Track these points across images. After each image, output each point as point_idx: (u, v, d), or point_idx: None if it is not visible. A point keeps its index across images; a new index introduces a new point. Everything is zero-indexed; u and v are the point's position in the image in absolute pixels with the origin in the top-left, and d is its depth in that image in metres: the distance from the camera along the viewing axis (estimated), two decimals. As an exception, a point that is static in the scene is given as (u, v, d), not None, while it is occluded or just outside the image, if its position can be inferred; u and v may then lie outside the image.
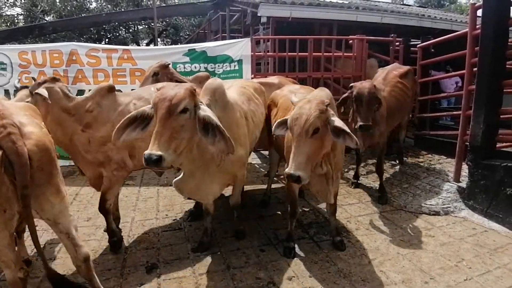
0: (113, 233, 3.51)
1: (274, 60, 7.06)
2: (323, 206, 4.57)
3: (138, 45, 22.97)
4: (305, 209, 4.50)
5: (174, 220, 4.15)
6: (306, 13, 8.57)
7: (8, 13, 20.98)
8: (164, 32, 22.77)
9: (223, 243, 3.61)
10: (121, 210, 4.39)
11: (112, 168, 3.34)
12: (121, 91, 4.32)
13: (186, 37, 21.92)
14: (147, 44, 24.11)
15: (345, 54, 6.76)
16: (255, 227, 3.97)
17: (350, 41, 6.88)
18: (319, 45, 6.82)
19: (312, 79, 6.73)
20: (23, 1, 20.42)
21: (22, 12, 20.92)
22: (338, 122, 2.69)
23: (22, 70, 6.11)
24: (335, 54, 6.76)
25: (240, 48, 6.02)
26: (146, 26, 22.18)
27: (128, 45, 20.79)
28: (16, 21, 20.97)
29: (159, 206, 4.55)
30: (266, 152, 5.94)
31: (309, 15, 8.64)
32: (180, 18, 21.54)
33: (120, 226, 3.90)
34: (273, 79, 5.30)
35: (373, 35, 7.30)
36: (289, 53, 6.41)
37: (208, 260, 3.30)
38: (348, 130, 2.66)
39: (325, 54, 6.75)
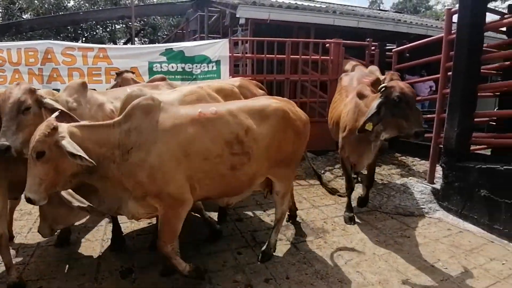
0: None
1: (252, 61, 7.05)
2: (300, 207, 4.59)
3: (115, 44, 22.59)
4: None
5: (149, 223, 4.07)
6: (284, 16, 8.59)
7: (-15, 10, 20.28)
8: (142, 32, 22.45)
9: (200, 247, 3.57)
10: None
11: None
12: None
13: (164, 37, 21.67)
14: (125, 44, 23.73)
15: (322, 57, 6.82)
16: (232, 230, 3.94)
17: (327, 45, 6.95)
18: (297, 47, 6.86)
19: (290, 81, 6.76)
20: (0, -2, 19.78)
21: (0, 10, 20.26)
22: (68, 145, 2.30)
23: (-3, 68, 5.91)
24: (312, 57, 6.81)
25: (218, 48, 5.99)
26: (124, 25, 21.85)
27: (105, 44, 20.45)
28: (-7, 19, 20.26)
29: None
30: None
31: (287, 18, 8.66)
32: (158, 17, 21.31)
33: (94, 229, 3.81)
34: (234, 81, 5.18)
35: (349, 39, 7.40)
36: (267, 55, 6.41)
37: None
38: (83, 154, 2.28)
39: (302, 57, 6.79)
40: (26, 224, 4.11)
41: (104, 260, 3.31)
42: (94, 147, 2.46)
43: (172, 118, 2.65)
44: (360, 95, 3.94)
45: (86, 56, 5.86)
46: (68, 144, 2.30)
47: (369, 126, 3.49)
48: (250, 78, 5.56)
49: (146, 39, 23.12)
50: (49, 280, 3.00)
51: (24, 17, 19.83)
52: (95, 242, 3.68)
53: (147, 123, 2.58)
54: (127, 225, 4.01)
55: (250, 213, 4.35)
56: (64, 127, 2.42)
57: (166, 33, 22.02)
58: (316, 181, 5.63)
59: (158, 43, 21.47)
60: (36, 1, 19.70)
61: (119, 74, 4.90)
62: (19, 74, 5.79)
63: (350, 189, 4.35)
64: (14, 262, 2.93)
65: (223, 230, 3.86)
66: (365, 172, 4.78)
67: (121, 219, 3.95)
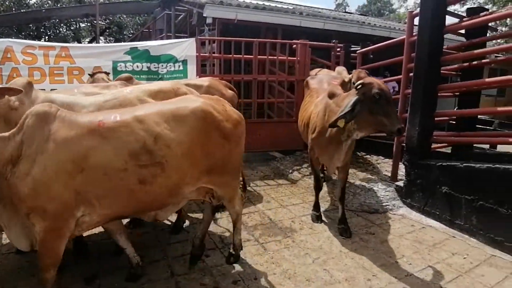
0: None
1: (219, 61, 7.02)
2: (268, 207, 4.61)
3: (80, 43, 21.95)
4: (251, 212, 4.50)
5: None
6: (251, 16, 8.63)
7: None
8: (107, 30, 21.94)
9: (167, 250, 3.51)
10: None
11: None
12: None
13: (130, 35, 21.27)
14: (89, 42, 23.09)
15: (289, 58, 6.88)
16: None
17: (294, 46, 7.02)
18: (265, 48, 6.89)
19: (257, 81, 6.78)
20: (-45, -5, 18.78)
21: (-43, 6, 19.22)
22: None
23: (-47, 68, 5.59)
24: (279, 57, 6.86)
25: (184, 48, 5.91)
26: (89, 24, 21.27)
27: (69, 43, 19.81)
28: (-51, 14, 19.17)
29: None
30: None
31: (255, 18, 8.71)
32: (124, 16, 20.92)
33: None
34: (203, 81, 5.18)
35: (316, 41, 7.51)
36: (234, 55, 6.40)
37: (151, 268, 3.18)
38: None
39: (269, 57, 6.83)
40: None
41: (68, 266, 3.17)
42: None
43: (66, 128, 2.36)
44: (331, 95, 3.89)
45: (47, 55, 5.63)
46: None
47: (341, 123, 3.36)
48: (217, 78, 5.53)
49: (112, 38, 22.63)
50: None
51: (-19, 14, 18.91)
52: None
53: (39, 132, 2.31)
54: (92, 230, 3.88)
55: (218, 215, 4.31)
56: None
57: (132, 32, 21.64)
58: (285, 180, 5.73)
59: (124, 42, 21.05)
60: (-5, -3, 18.88)
61: (92, 75, 4.75)
62: (-24, 74, 5.51)
63: (318, 188, 4.40)
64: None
65: (190, 231, 3.83)
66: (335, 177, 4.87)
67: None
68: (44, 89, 5.18)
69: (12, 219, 2.38)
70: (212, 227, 4.01)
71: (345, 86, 4.50)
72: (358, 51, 6.93)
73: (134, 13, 19.31)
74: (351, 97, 3.41)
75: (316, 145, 4.10)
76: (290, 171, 6.13)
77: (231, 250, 3.35)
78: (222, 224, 4.14)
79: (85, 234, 3.69)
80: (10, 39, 6.00)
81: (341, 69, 5.84)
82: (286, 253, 3.51)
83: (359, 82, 3.40)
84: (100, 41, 22.50)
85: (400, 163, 5.22)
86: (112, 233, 2.98)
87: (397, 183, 5.07)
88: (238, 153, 3.02)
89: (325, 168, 5.33)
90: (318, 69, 6.47)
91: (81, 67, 5.53)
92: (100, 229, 3.87)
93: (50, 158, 2.26)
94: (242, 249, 3.44)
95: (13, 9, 18.80)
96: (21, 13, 17.24)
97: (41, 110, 2.38)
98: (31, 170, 2.23)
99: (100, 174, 2.34)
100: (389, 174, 5.41)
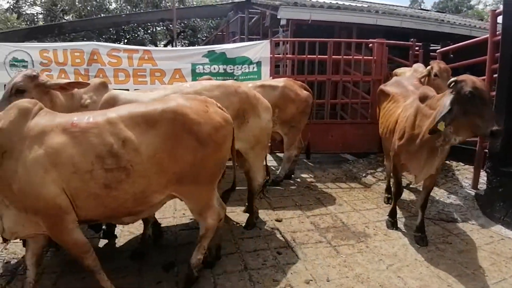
0: None
1: (292, 62, 7.08)
2: (340, 210, 4.57)
3: (156, 46, 23.21)
4: (323, 214, 4.48)
5: (191, 219, 4.18)
6: (325, 16, 8.57)
7: (28, 12, 21.37)
8: (182, 34, 22.93)
9: (239, 244, 3.63)
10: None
11: None
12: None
13: (204, 38, 22.04)
14: (165, 45, 24.34)
15: (365, 57, 6.73)
16: (272, 229, 3.98)
17: (370, 45, 6.85)
18: (339, 48, 6.81)
19: (331, 81, 6.72)
20: (43, 0, 20.76)
21: (42, 11, 21.25)
22: None
23: (43, 68, 6.22)
24: (354, 57, 6.73)
25: (259, 50, 6.05)
26: (164, 28, 22.39)
27: (145, 46, 21.05)
28: (36, 20, 21.31)
29: (176, 205, 4.59)
30: (281, 155, 5.95)
31: (329, 18, 8.63)
32: (198, 19, 21.69)
33: (138, 223, 3.98)
34: (278, 81, 5.24)
35: (392, 39, 7.26)
36: (308, 56, 6.41)
37: (225, 260, 3.32)
38: None
39: (344, 57, 6.73)
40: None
41: (147, 254, 3.43)
42: None
43: (42, 125, 2.38)
44: (423, 98, 3.58)
45: (131, 57, 6.08)
46: None
47: (441, 126, 3.07)
48: (291, 79, 5.59)
49: (186, 41, 23.60)
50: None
51: (66, 18, 20.69)
52: (139, 236, 3.81)
53: (18, 127, 2.34)
54: (169, 221, 4.15)
55: (289, 214, 4.37)
56: None
57: (205, 34, 22.39)
58: (358, 184, 5.61)
59: (198, 44, 21.89)
60: (78, 3, 20.48)
61: None
62: (65, 74, 6.07)
63: (398, 195, 4.17)
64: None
65: (262, 228, 3.93)
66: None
67: (164, 213, 4.13)
68: (128, 89, 5.61)
69: None
70: (283, 226, 4.07)
71: (426, 81, 4.43)
72: (438, 51, 6.59)
73: (208, 17, 20.00)
74: (447, 97, 3.15)
75: (404, 152, 3.79)
76: (364, 174, 6.00)
77: (187, 271, 2.95)
78: (293, 223, 4.18)
79: (163, 226, 3.95)
80: (96, 42, 6.56)
81: (417, 66, 5.60)
82: (359, 257, 3.46)
83: (452, 79, 3.13)
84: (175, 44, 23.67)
85: (482, 170, 4.89)
86: None
87: (477, 191, 4.75)
88: (216, 159, 2.72)
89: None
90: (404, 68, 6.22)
91: (162, 69, 5.89)
92: (178, 220, 4.13)
93: (29, 155, 2.28)
94: (199, 270, 2.97)
95: (94, 13, 20.27)
96: (102, 18, 18.53)
97: (23, 106, 2.43)
98: (17, 169, 2.25)
99: (70, 172, 2.32)
100: (470, 182, 5.08)
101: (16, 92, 3.12)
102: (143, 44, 21.22)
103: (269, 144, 6.42)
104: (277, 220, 4.21)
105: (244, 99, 3.62)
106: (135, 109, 2.57)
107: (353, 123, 6.83)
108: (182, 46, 22.01)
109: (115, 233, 3.80)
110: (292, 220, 4.25)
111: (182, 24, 21.79)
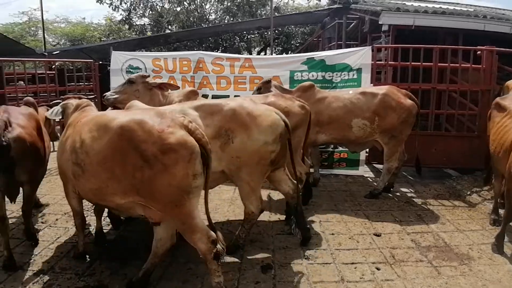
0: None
1: (393, 69, 6.78)
2: (443, 229, 4.26)
3: (250, 53, 23.98)
4: (424, 231, 4.21)
5: (286, 224, 4.22)
6: (430, 21, 8.07)
7: (138, 23, 23.57)
8: (276, 40, 23.38)
9: (336, 255, 3.57)
10: (236, 209, 4.66)
11: None
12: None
13: (297, 45, 22.21)
14: (259, 52, 25.04)
15: (473, 66, 6.19)
16: (370, 243, 3.84)
17: (478, 52, 6.29)
18: (442, 55, 6.37)
19: (436, 91, 6.30)
20: (151, 12, 22.74)
21: (150, 22, 23.29)
22: None
23: (155, 75, 6.82)
24: (462, 65, 6.24)
25: (360, 56, 5.90)
26: (258, 35, 23.03)
27: (241, 53, 21.87)
28: (145, 30, 23.41)
29: (271, 209, 4.67)
30: (380, 166, 5.72)
31: (433, 24, 8.11)
32: (292, 26, 21.92)
33: (236, 224, 4.15)
34: (380, 89, 5.05)
35: (500, 46, 6.56)
36: (412, 63, 6.09)
37: (321, 269, 3.30)
38: None
39: (451, 65, 6.27)
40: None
41: (246, 253, 3.56)
42: None
43: (78, 117, 3.21)
44: None
45: (233, 65, 6.38)
46: None
47: None
48: (393, 86, 5.37)
49: (280, 48, 23.97)
50: (197, 264, 3.33)
51: (170, 29, 22.36)
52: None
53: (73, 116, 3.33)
54: (266, 224, 4.24)
55: (388, 229, 4.18)
56: None
57: (299, 41, 22.54)
58: (462, 202, 5.17)
59: (291, 51, 22.12)
60: (181, 15, 22.04)
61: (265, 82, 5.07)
62: (173, 81, 6.57)
63: (510, 220, 3.81)
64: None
65: (359, 241, 3.82)
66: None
67: (236, 217, 4.21)
68: (229, 95, 5.89)
69: None
70: (382, 241, 3.90)
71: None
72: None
73: (303, 23, 20.11)
74: None
75: None
76: (468, 192, 5.50)
77: None
78: (392, 239, 3.99)
79: (260, 228, 4.04)
80: (202, 52, 7.00)
81: None
82: (461, 280, 3.19)
83: None
84: (268, 51, 24.21)
85: None
86: None
87: None
88: (167, 182, 2.52)
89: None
90: None
91: (261, 76, 6.05)
92: (274, 224, 4.19)
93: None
94: None
95: (195, 24, 21.59)
96: (203, 28, 19.65)
97: (76, 102, 3.51)
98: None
99: (67, 156, 2.94)
100: None
101: (128, 82, 4.52)
102: (239, 51, 22.07)
103: (366, 155, 6.27)
104: (375, 235, 4.05)
105: (228, 118, 3.28)
106: (103, 117, 2.84)
107: (459, 136, 6.30)
108: (275, 52, 22.41)
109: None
110: (391, 236, 4.06)
111: (277, 31, 22.20)
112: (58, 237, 3.94)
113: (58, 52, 13.92)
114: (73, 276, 3.19)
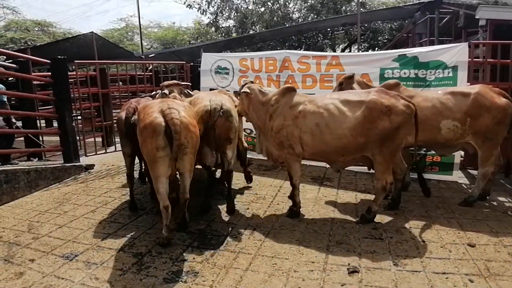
0: (295, 204, 4.49)
1: (492, 67, 6.23)
2: None
3: (334, 50, 23.58)
4: None
5: (373, 228, 4.13)
6: (531, 16, 7.28)
7: (224, 25, 24.48)
8: (362, 37, 22.68)
9: (426, 263, 3.41)
10: (321, 209, 4.68)
11: (285, 151, 4.31)
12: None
13: (385, 41, 21.34)
14: (343, 49, 24.52)
15: None
16: (463, 254, 3.60)
17: None
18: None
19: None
20: (236, 14, 23.45)
21: (235, 24, 24.05)
22: None
23: (242, 74, 7.09)
24: None
25: (456, 53, 5.44)
26: (343, 32, 22.53)
27: (324, 51, 21.61)
28: (230, 32, 24.24)
29: (358, 211, 4.59)
30: (475, 172, 5.30)
31: (535, 18, 7.31)
32: (379, 22, 21.11)
33: (320, 223, 4.19)
34: (472, 88, 4.66)
35: None
36: (515, 61, 5.54)
37: (410, 277, 3.17)
38: None
39: None
40: (261, 207, 4.82)
41: (331, 253, 3.57)
42: None
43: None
44: None
45: (319, 63, 6.34)
46: None
47: None
48: (490, 85, 4.94)
49: (366, 44, 23.24)
50: (282, 259, 3.47)
51: (254, 29, 22.84)
52: (322, 234, 4.00)
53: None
54: (352, 226, 4.18)
55: (484, 240, 3.87)
56: None
57: (386, 37, 21.63)
58: None
59: (378, 47, 21.35)
60: (265, 16, 22.37)
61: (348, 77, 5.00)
62: (259, 80, 6.76)
63: None
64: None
65: (452, 251, 3.62)
66: None
67: (320, 216, 4.17)
68: (314, 93, 5.87)
69: None
70: (476, 252, 3.64)
71: None
72: None
73: (392, 19, 19.24)
74: None
75: None
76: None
77: None
78: (488, 251, 3.70)
79: (346, 230, 4.00)
80: (288, 51, 7.06)
81: None
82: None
83: None
84: (353, 48, 23.59)
85: None
86: None
87: None
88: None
89: None
90: None
91: (349, 74, 5.93)
92: (360, 227, 4.12)
93: None
94: None
95: (279, 23, 21.78)
96: (286, 27, 19.77)
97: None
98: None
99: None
100: None
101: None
102: (323, 49, 21.85)
103: (461, 159, 5.82)
104: (469, 245, 3.78)
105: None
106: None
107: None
108: (362, 49, 21.78)
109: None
110: (486, 247, 3.75)
111: (363, 27, 21.53)
112: (155, 223, 4.33)
113: (153, 55, 15.06)
114: (168, 261, 3.51)
